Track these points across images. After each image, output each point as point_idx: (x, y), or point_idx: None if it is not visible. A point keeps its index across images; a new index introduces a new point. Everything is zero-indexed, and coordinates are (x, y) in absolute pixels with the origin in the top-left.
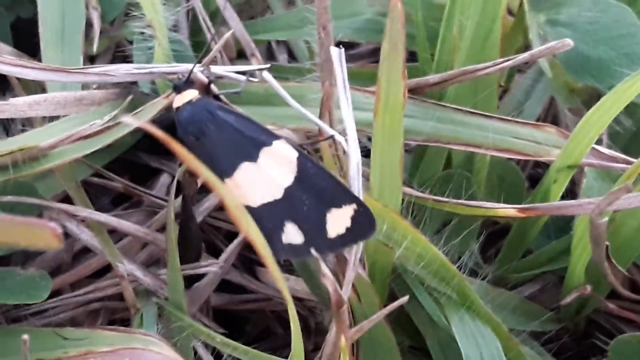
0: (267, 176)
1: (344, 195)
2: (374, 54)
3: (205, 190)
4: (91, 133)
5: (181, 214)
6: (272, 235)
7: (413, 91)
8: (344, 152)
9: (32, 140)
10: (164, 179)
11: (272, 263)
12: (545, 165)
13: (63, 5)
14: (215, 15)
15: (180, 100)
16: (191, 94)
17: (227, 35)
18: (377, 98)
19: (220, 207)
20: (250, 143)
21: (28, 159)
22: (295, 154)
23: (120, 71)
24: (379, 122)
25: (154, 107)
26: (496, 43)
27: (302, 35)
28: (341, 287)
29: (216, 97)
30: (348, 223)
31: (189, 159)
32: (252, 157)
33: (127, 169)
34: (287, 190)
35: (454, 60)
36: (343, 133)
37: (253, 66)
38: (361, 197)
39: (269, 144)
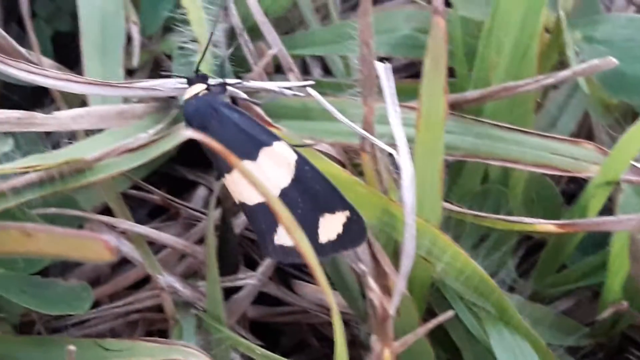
0: (264, 176)
1: (339, 202)
2: (407, 69)
3: None
4: (137, 146)
5: (220, 226)
6: (265, 235)
7: (451, 107)
8: (385, 167)
9: (77, 153)
10: (201, 191)
11: (321, 275)
12: (579, 182)
13: (104, 20)
14: (253, 30)
15: (188, 93)
16: (198, 88)
17: (270, 53)
18: (419, 114)
19: None
20: (250, 142)
21: (74, 171)
22: (295, 157)
23: (167, 85)
24: (420, 138)
25: None
26: (533, 60)
27: (340, 51)
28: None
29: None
30: (340, 230)
31: (245, 171)
32: (252, 156)
33: (164, 182)
34: (284, 192)
35: (491, 76)
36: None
37: (297, 82)
38: (414, 210)
39: (269, 144)
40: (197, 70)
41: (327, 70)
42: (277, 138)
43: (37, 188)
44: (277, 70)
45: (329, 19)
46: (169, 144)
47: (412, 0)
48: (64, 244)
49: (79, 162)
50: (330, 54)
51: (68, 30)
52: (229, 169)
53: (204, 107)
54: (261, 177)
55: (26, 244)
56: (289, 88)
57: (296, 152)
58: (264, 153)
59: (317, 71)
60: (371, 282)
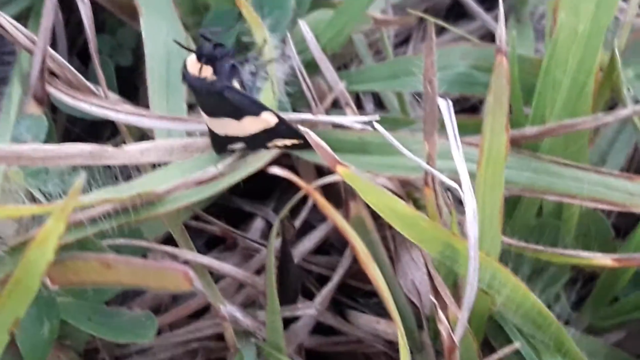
0: (242, 128)
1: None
2: (457, 104)
3: (300, 234)
4: (206, 179)
5: (280, 257)
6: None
7: (510, 143)
8: (445, 202)
9: (147, 186)
10: (258, 223)
11: (390, 301)
12: (629, 216)
13: (168, 56)
14: (309, 65)
15: (194, 67)
16: (206, 71)
17: (334, 94)
18: (481, 150)
19: (315, 251)
20: (239, 111)
21: (145, 203)
22: (276, 120)
23: None
24: (481, 173)
25: (261, 157)
26: (589, 97)
27: (395, 87)
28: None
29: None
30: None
31: (324, 206)
32: (236, 117)
33: (221, 213)
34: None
35: (548, 113)
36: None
37: (361, 117)
38: (477, 242)
39: (257, 114)
40: (210, 56)
41: (379, 105)
42: (265, 109)
43: (111, 219)
44: (333, 105)
45: (382, 54)
46: (236, 177)
47: (463, 36)
48: (143, 274)
49: (150, 194)
50: (385, 90)
51: (128, 65)
52: (209, 114)
53: (207, 89)
54: (238, 127)
55: (106, 275)
56: (356, 122)
57: (278, 117)
58: (249, 118)
59: (369, 106)
60: (441, 315)
